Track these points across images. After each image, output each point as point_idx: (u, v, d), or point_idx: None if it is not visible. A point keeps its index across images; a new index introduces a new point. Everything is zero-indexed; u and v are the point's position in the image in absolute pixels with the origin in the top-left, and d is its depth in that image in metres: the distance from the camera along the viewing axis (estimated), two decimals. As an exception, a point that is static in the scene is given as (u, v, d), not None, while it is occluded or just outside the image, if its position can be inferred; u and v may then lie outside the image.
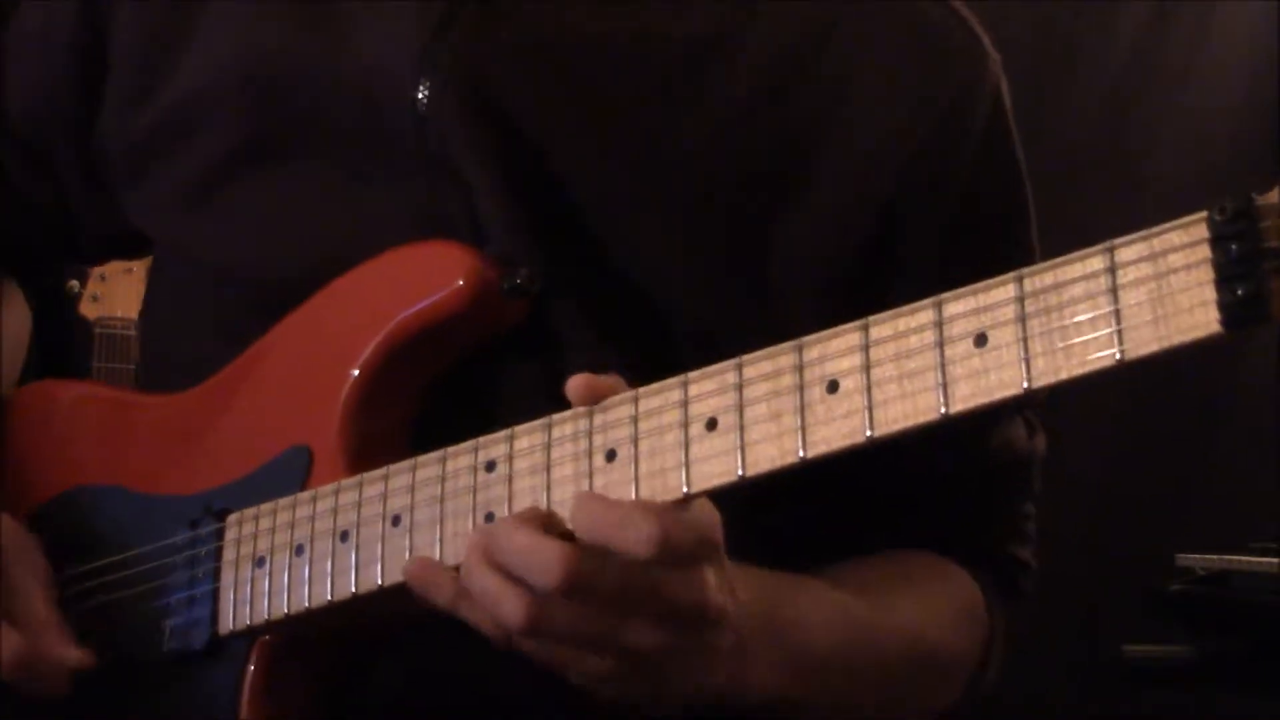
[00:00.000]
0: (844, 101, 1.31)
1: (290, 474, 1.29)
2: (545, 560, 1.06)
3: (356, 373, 1.29)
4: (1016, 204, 1.39)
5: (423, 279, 1.27)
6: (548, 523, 1.10)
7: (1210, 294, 0.89)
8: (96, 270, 3.26)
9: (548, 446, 1.14)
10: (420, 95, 1.31)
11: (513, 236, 1.29)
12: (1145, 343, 0.92)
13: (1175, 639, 2.87)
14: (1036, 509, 1.44)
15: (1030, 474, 1.43)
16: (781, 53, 1.32)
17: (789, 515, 1.29)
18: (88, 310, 3.27)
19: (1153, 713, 3.25)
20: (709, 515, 1.09)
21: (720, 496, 1.10)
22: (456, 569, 1.14)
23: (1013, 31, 3.61)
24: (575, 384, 1.12)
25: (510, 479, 1.15)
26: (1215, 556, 2.82)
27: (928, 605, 1.34)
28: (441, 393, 1.29)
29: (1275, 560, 2.74)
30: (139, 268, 3.23)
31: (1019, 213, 1.39)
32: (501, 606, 1.09)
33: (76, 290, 3.26)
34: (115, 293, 3.28)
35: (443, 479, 1.18)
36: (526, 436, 1.15)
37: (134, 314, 3.23)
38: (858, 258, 1.31)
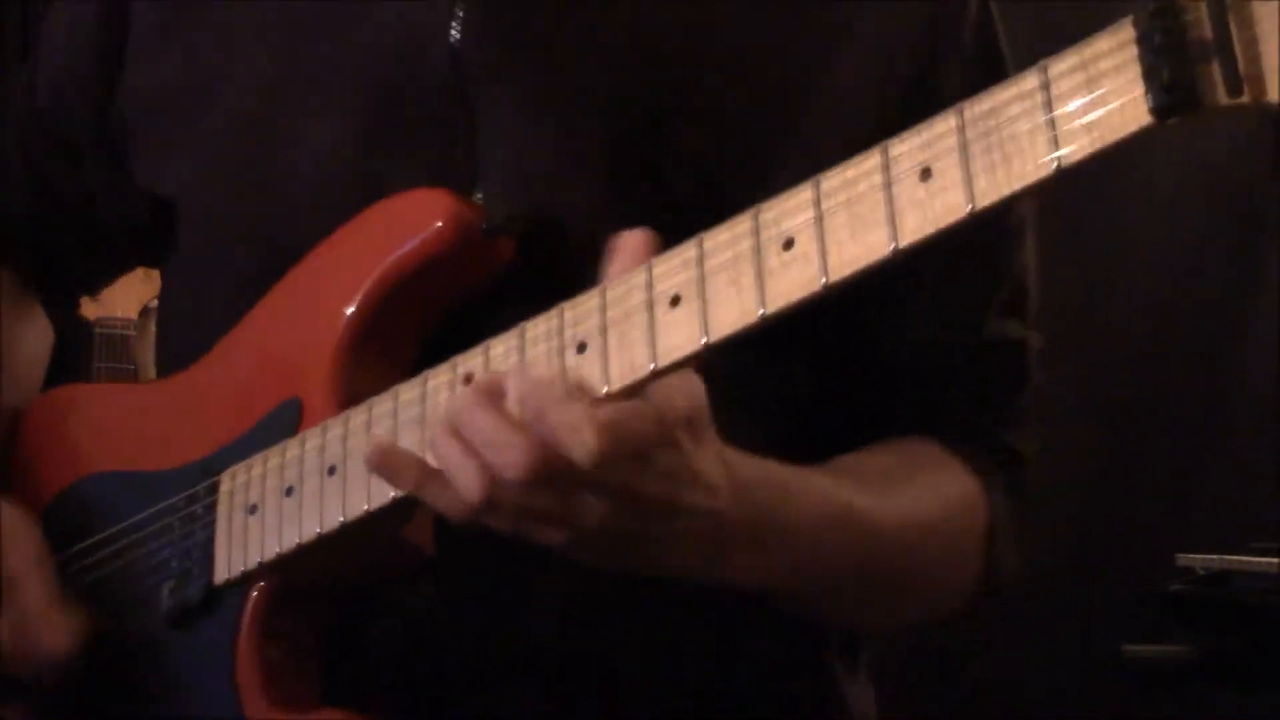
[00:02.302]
0: (857, 10, 1.34)
1: (282, 427, 1.30)
2: (511, 453, 1.07)
3: (344, 324, 1.29)
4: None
5: (403, 226, 1.29)
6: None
7: (1139, 87, 0.93)
8: (96, 270, 3.25)
9: (521, 349, 1.15)
10: (454, 28, 1.32)
11: (527, 176, 1.30)
12: (1082, 146, 0.95)
13: (1175, 639, 2.87)
14: (1035, 403, 1.44)
15: (1025, 361, 1.42)
16: None
17: (789, 407, 1.31)
18: (88, 310, 3.27)
19: (1153, 713, 3.25)
20: (681, 397, 1.09)
21: (721, 381, 1.11)
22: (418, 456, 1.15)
23: (1013, 31, 3.61)
24: (633, 238, 1.13)
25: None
26: (1215, 556, 2.81)
27: (925, 499, 1.33)
28: (437, 349, 1.29)
29: (1275, 560, 2.74)
30: (139, 268, 3.23)
31: None
32: (459, 478, 1.09)
33: (76, 290, 3.25)
34: (115, 293, 3.27)
35: (424, 399, 1.19)
36: (501, 344, 1.16)
37: (134, 314, 3.23)
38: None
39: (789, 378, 1.28)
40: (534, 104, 1.32)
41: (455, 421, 1.10)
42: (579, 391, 1.08)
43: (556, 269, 1.28)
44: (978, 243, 1.30)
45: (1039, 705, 3.56)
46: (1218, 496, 3.60)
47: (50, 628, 1.35)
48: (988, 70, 1.35)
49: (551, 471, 1.06)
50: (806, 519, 1.22)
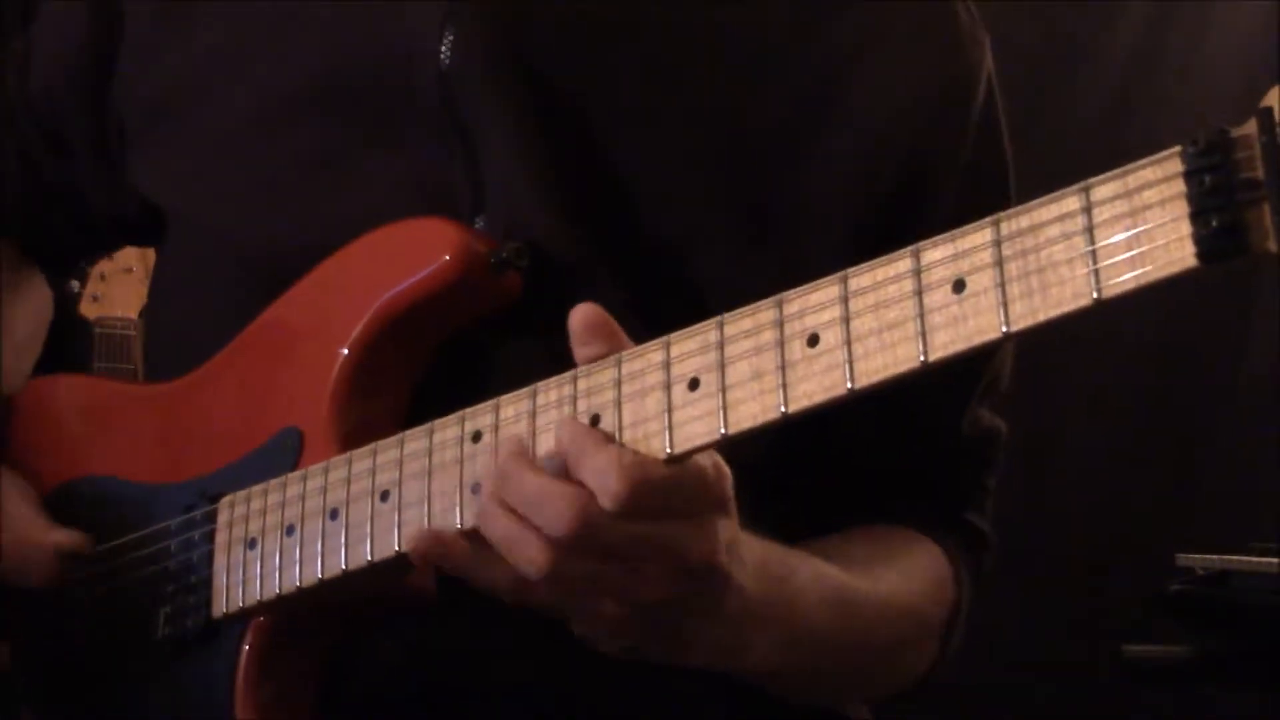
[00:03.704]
0: (859, 66, 1.33)
1: (282, 456, 1.30)
2: (557, 508, 1.06)
3: (346, 353, 1.28)
4: (1006, 179, 1.42)
5: (410, 256, 1.27)
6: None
7: (1186, 228, 0.88)
8: (96, 270, 3.26)
9: (533, 414, 1.13)
10: (443, 50, 1.31)
11: (521, 203, 1.29)
12: (1122, 281, 0.91)
13: (1175, 639, 2.87)
14: (995, 483, 1.47)
15: (996, 449, 1.45)
16: (799, 12, 1.34)
17: (768, 491, 1.31)
18: (88, 310, 3.27)
19: (1153, 713, 3.25)
20: (710, 472, 1.09)
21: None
22: (461, 532, 1.14)
23: (1013, 31, 3.61)
24: (581, 313, 1.11)
25: (497, 449, 1.14)
26: (1215, 556, 2.81)
27: (907, 582, 1.35)
28: (444, 373, 1.29)
29: (1275, 560, 2.73)
30: (139, 268, 3.23)
31: (1007, 187, 1.42)
32: (522, 551, 1.08)
33: (76, 290, 3.26)
34: (115, 293, 3.27)
35: (430, 452, 1.18)
36: (512, 405, 1.15)
37: (134, 314, 3.23)
38: (878, 216, 1.32)
39: (764, 453, 1.28)
40: (526, 132, 1.31)
41: (500, 491, 1.09)
42: (612, 440, 1.08)
43: (559, 301, 1.28)
44: None
45: (1039, 705, 3.55)
46: (1218, 496, 3.60)
47: (43, 528, 1.39)
48: (989, 167, 1.37)
49: (597, 525, 1.06)
50: (804, 598, 1.22)
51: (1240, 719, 3.10)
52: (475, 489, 1.15)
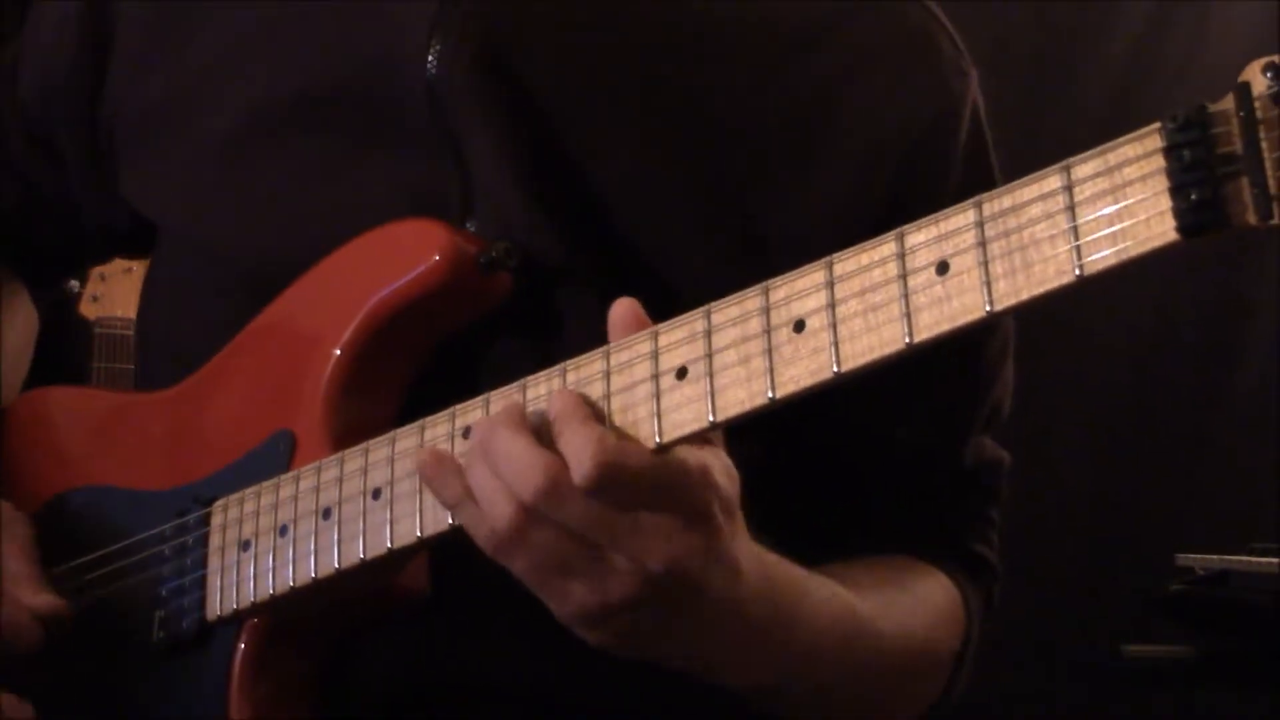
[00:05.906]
0: (845, 93, 1.33)
1: (275, 459, 1.30)
2: (528, 470, 1.06)
3: (338, 355, 1.28)
4: None
5: (399, 257, 1.27)
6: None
7: (1166, 202, 0.89)
8: (96, 270, 3.26)
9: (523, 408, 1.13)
10: (430, 59, 1.31)
11: (509, 209, 1.29)
12: (1104, 257, 0.92)
13: (1175, 639, 2.88)
14: (1000, 518, 1.46)
15: (999, 479, 1.45)
16: (787, 36, 1.34)
17: (775, 519, 1.31)
18: (88, 310, 3.27)
19: (1153, 713, 3.26)
20: (693, 472, 1.07)
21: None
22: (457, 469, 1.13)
23: (1013, 31, 3.61)
24: (618, 308, 1.11)
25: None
26: (1215, 556, 2.82)
27: (919, 613, 1.35)
28: (435, 374, 1.29)
29: (1275, 560, 2.74)
30: (139, 268, 3.22)
31: None
32: (494, 505, 1.09)
33: (76, 290, 3.26)
34: (115, 293, 3.28)
35: (421, 449, 1.18)
36: (502, 400, 1.15)
37: (134, 314, 3.23)
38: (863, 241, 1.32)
39: (771, 480, 1.25)
40: (513, 137, 1.31)
41: (485, 444, 1.10)
42: (602, 419, 1.08)
43: (548, 302, 1.27)
44: (968, 360, 1.34)
45: (1039, 705, 3.56)
46: (1218, 496, 3.61)
47: (30, 589, 1.36)
48: (981, 166, 1.36)
49: (564, 497, 1.06)
50: (813, 620, 1.21)
51: (1240, 719, 3.10)
52: None
